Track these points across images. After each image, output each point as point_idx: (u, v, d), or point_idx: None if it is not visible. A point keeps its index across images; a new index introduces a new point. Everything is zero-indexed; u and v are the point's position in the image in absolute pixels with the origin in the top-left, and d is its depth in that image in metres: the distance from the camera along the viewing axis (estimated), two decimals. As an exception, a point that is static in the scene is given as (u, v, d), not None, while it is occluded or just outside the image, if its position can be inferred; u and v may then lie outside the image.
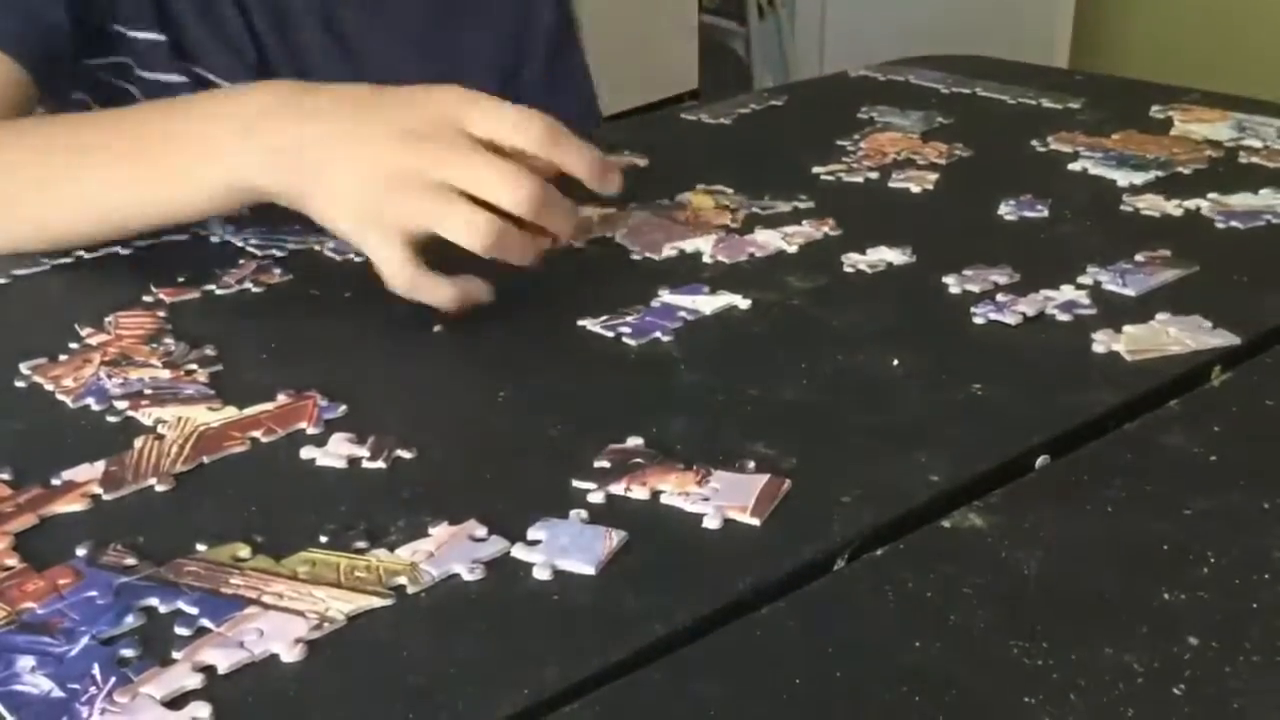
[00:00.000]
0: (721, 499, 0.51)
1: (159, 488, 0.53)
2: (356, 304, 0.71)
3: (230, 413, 0.58)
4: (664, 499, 0.51)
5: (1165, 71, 1.42)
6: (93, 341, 0.66)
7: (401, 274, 0.65)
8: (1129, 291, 0.70)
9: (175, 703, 0.41)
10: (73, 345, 0.65)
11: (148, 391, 0.60)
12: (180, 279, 0.74)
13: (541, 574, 0.47)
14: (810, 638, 0.44)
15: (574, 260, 0.77)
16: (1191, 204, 0.82)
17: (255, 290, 0.73)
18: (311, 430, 0.57)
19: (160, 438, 0.56)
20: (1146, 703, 0.40)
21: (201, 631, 0.44)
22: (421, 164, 0.64)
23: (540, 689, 0.41)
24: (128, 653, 0.43)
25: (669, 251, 0.77)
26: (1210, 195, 0.83)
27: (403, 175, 0.65)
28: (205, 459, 0.55)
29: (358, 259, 0.76)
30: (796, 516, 0.51)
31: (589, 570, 0.47)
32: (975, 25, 3.07)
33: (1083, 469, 0.54)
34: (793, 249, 0.78)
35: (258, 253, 0.77)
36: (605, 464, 0.53)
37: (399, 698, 0.41)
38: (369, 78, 0.72)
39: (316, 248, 0.78)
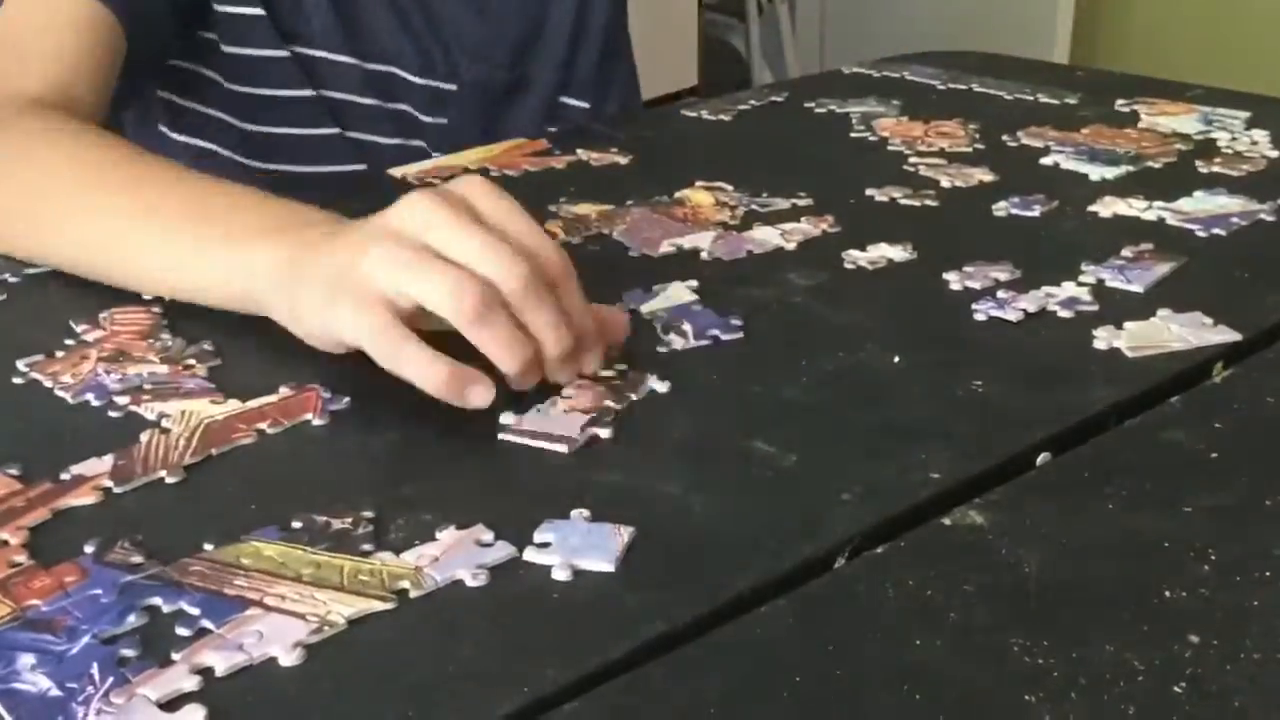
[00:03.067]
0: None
1: (169, 480, 0.53)
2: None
3: (233, 406, 0.59)
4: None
5: (1166, 67, 1.42)
6: (89, 338, 0.66)
7: (383, 336, 0.56)
8: (1135, 287, 0.70)
9: (171, 705, 0.41)
10: (69, 342, 0.65)
11: (148, 386, 0.60)
12: None
13: (561, 574, 0.47)
14: (811, 635, 0.44)
15: (571, 257, 0.77)
16: (1168, 214, 0.82)
17: None
18: (317, 422, 0.57)
19: (166, 432, 0.57)
20: (1147, 700, 0.40)
21: (202, 632, 0.44)
22: (405, 230, 0.57)
23: (541, 687, 0.41)
24: (128, 652, 0.43)
25: (666, 249, 0.77)
26: (1178, 204, 0.83)
27: (380, 248, 0.57)
28: (213, 451, 0.55)
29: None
30: (797, 514, 0.51)
31: (608, 568, 0.47)
32: (975, 21, 3.07)
33: (1084, 466, 0.54)
34: (791, 246, 0.78)
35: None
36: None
37: (398, 698, 0.41)
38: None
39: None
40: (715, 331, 0.66)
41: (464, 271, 0.56)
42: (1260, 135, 0.96)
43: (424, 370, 0.56)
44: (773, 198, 0.84)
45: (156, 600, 0.45)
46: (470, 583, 0.46)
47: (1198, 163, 0.91)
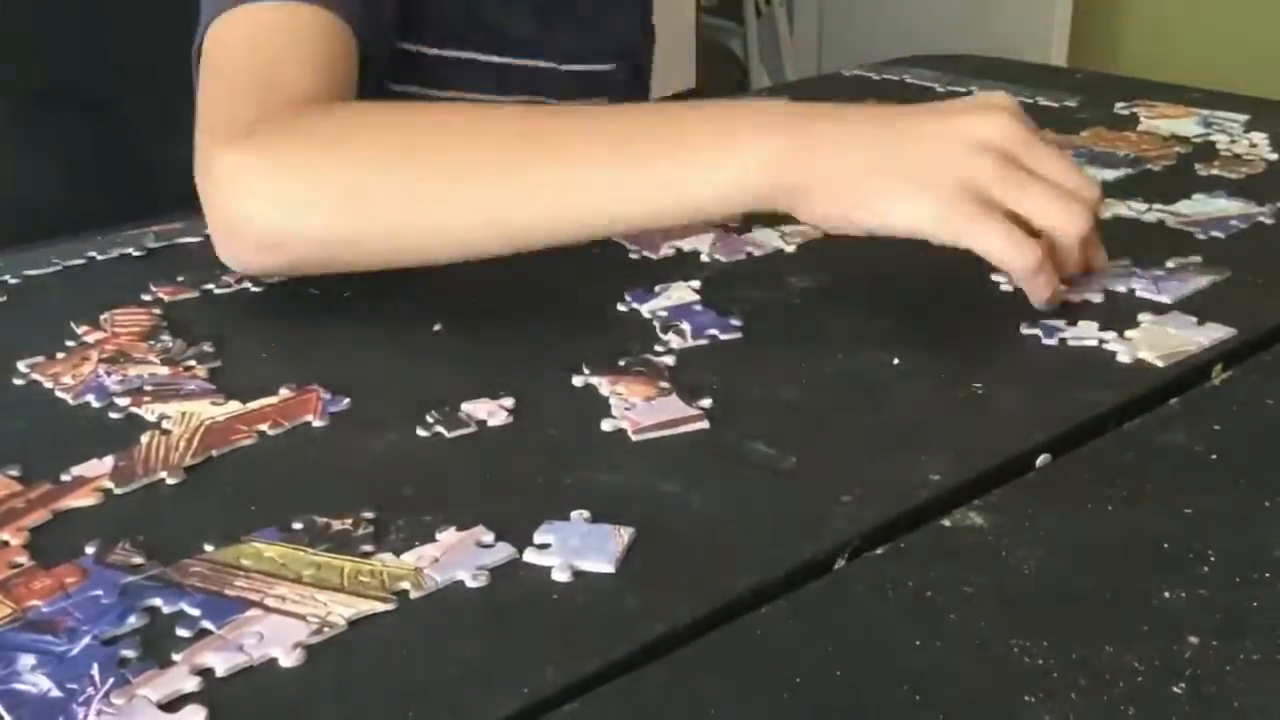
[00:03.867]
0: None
1: (170, 481, 0.53)
2: (356, 304, 0.71)
3: (234, 407, 0.59)
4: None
5: (1162, 70, 1.42)
6: (89, 339, 0.66)
7: (977, 221, 0.63)
8: (1164, 299, 0.69)
9: (171, 705, 0.41)
10: (69, 343, 0.65)
11: (149, 388, 0.61)
12: (180, 278, 0.74)
13: (561, 576, 0.47)
14: (810, 637, 0.44)
15: (572, 259, 0.77)
16: (1167, 216, 0.82)
17: (254, 290, 0.73)
18: (317, 423, 0.57)
19: (166, 433, 0.57)
20: (1147, 701, 0.40)
21: (203, 633, 0.44)
22: (991, 144, 0.64)
23: (541, 688, 0.41)
24: (128, 653, 0.43)
25: (666, 250, 0.77)
26: (1177, 207, 0.83)
27: (981, 161, 0.63)
28: (214, 452, 0.55)
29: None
30: (797, 516, 0.51)
31: (608, 569, 0.47)
32: (972, 25, 3.07)
33: (1083, 468, 0.54)
34: (791, 248, 0.78)
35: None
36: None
37: (398, 699, 0.41)
38: None
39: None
40: (714, 331, 0.66)
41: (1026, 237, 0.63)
42: (1259, 138, 0.97)
43: (1015, 247, 0.63)
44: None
45: (157, 601, 0.45)
46: (471, 584, 0.46)
47: (1197, 165, 0.91)
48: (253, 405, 0.59)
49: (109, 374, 0.62)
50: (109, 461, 0.54)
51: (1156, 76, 1.19)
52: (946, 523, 0.50)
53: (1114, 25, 3.22)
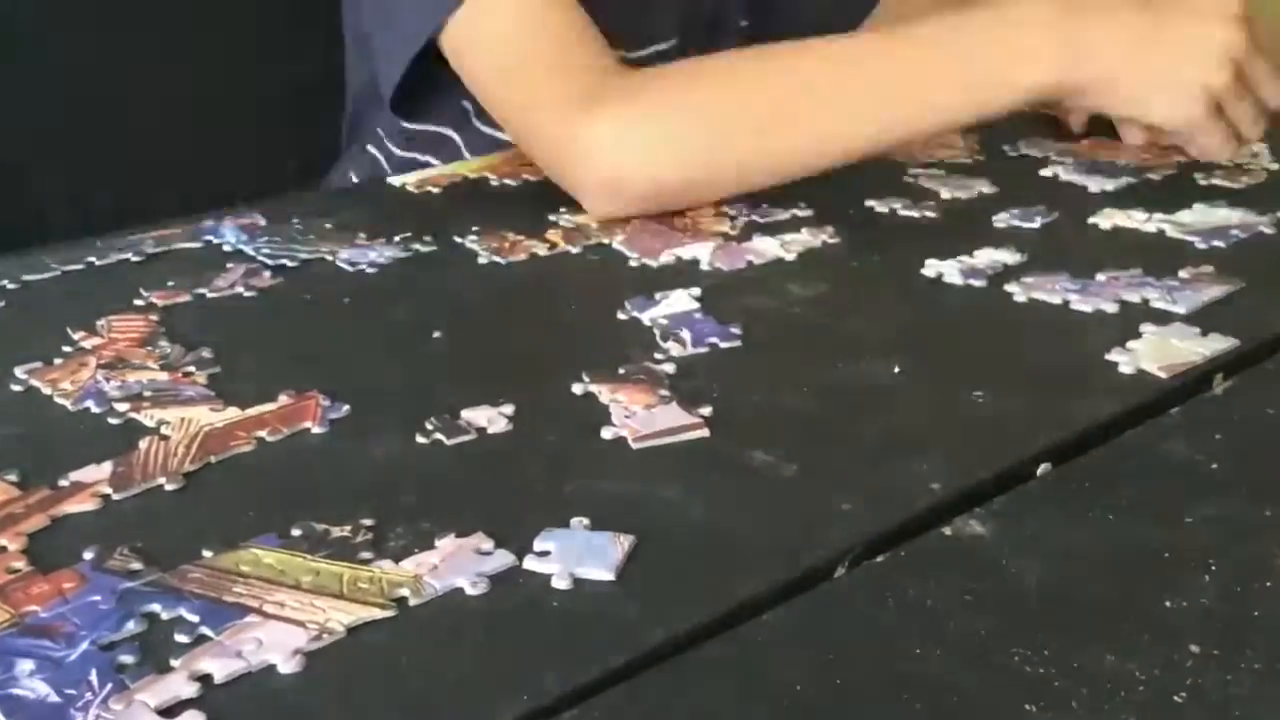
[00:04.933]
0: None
1: (168, 487, 0.53)
2: (355, 309, 0.71)
3: (233, 413, 0.59)
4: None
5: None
6: (87, 345, 0.65)
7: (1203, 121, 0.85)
8: (1179, 309, 0.69)
9: (170, 711, 0.41)
10: (66, 349, 0.65)
11: (147, 394, 0.60)
12: (170, 283, 0.74)
13: (561, 583, 0.46)
14: (810, 645, 0.43)
15: (573, 266, 0.77)
16: (1167, 226, 0.82)
17: (247, 294, 0.73)
18: (316, 429, 0.57)
19: (165, 438, 0.56)
20: (1148, 711, 0.40)
21: (201, 639, 0.44)
22: (1215, 80, 0.82)
23: (540, 696, 0.41)
24: (126, 659, 0.43)
25: (667, 258, 0.77)
26: (1178, 217, 0.83)
27: (1198, 84, 0.83)
28: (213, 458, 0.55)
29: (370, 270, 0.76)
30: (797, 523, 0.50)
31: (608, 576, 0.47)
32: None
33: (1084, 477, 0.54)
34: (791, 256, 0.78)
35: (269, 262, 0.77)
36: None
37: (397, 706, 0.41)
38: None
39: (328, 258, 0.78)
40: (714, 339, 0.66)
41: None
42: (1260, 147, 0.96)
43: (1223, 147, 0.88)
44: (772, 208, 0.85)
45: (155, 607, 0.45)
46: (470, 591, 0.46)
47: (1197, 175, 0.91)
48: (252, 411, 0.59)
49: (108, 380, 0.62)
50: (107, 467, 0.54)
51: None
52: (947, 531, 0.49)
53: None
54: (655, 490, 0.53)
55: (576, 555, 0.48)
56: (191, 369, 0.63)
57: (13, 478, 0.54)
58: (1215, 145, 0.86)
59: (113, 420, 0.59)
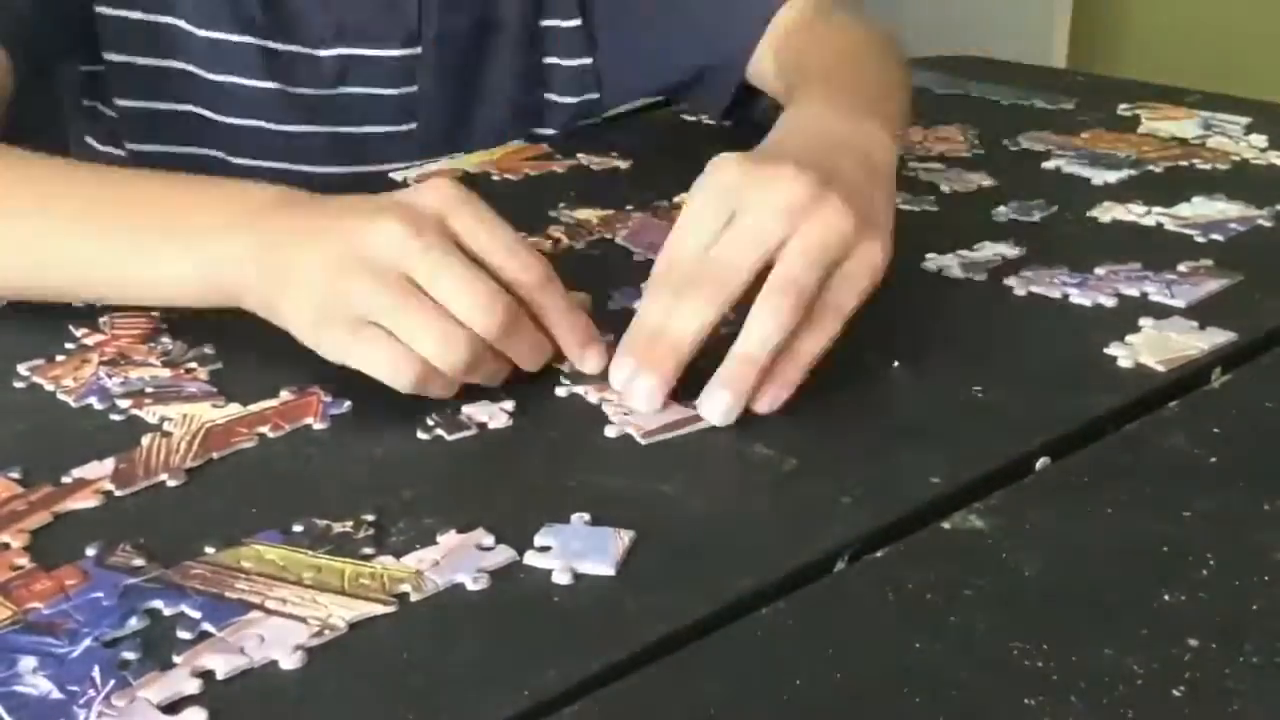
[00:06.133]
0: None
1: (170, 483, 0.53)
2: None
3: (234, 410, 0.59)
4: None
5: (1163, 72, 1.42)
6: (89, 341, 0.66)
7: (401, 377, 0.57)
8: (1177, 302, 0.69)
9: (172, 707, 0.41)
10: (69, 346, 0.65)
11: (150, 390, 0.61)
12: None
13: (561, 578, 0.47)
14: (810, 638, 0.44)
15: (576, 261, 0.77)
16: (1166, 220, 0.82)
17: None
18: (318, 426, 0.57)
19: (168, 435, 0.57)
20: (1147, 704, 0.40)
21: (203, 636, 0.44)
22: (352, 296, 0.56)
23: (542, 690, 0.41)
24: (129, 655, 0.43)
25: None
26: (1177, 210, 0.83)
27: (357, 283, 0.56)
28: (215, 454, 0.55)
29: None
30: (797, 517, 0.51)
31: (608, 571, 0.47)
32: (973, 25, 3.07)
33: (1083, 470, 0.54)
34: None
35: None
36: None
37: (399, 701, 0.41)
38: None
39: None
40: None
41: (408, 351, 0.56)
42: (1259, 140, 0.97)
43: (391, 366, 0.56)
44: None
45: (158, 603, 0.46)
46: (471, 586, 0.46)
47: (1197, 167, 0.91)
48: (254, 408, 0.59)
49: (110, 376, 0.62)
50: (110, 463, 0.54)
51: (1156, 79, 1.20)
52: (946, 525, 0.50)
53: (1114, 27, 3.22)
54: (655, 485, 0.53)
55: (577, 550, 0.48)
56: (194, 365, 0.63)
57: (15, 474, 0.54)
58: (385, 368, 0.57)
59: (115, 417, 0.59)
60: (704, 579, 0.47)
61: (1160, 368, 0.62)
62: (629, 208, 0.84)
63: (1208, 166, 0.92)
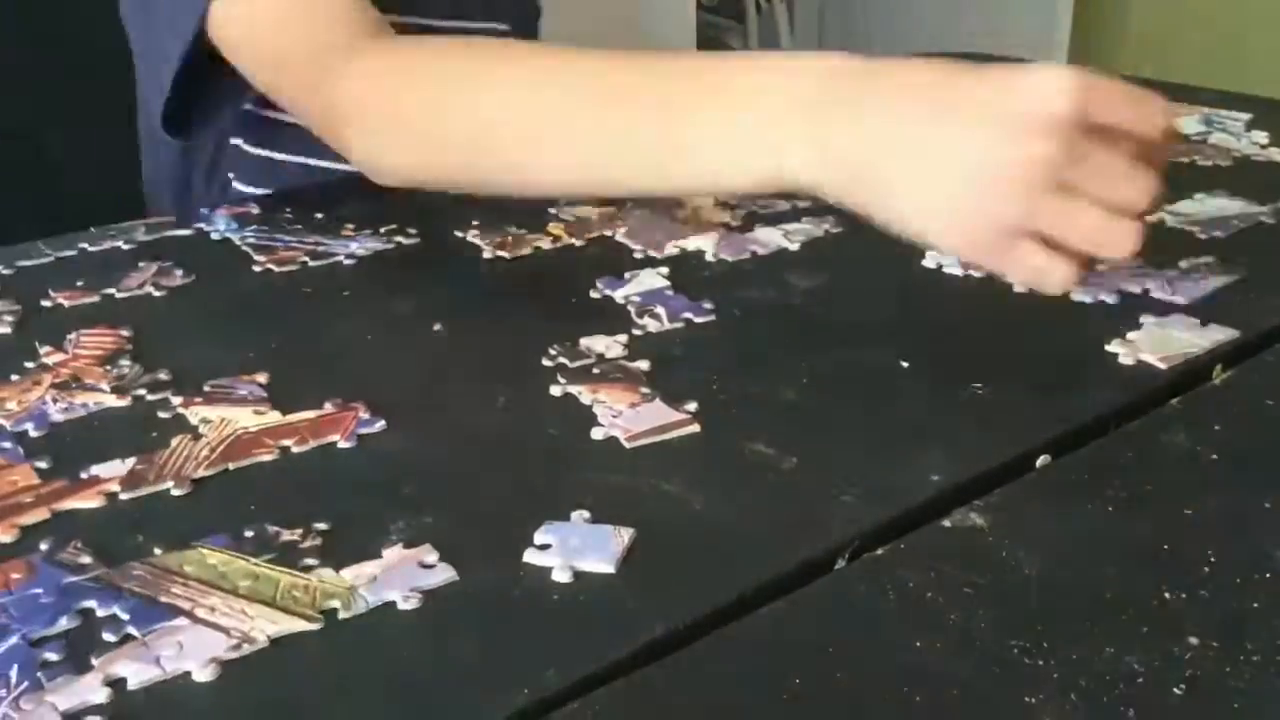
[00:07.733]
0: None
1: (174, 492, 0.53)
2: (356, 303, 0.71)
3: (273, 419, 0.58)
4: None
5: (1163, 70, 1.42)
6: (50, 361, 0.64)
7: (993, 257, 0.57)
8: (1179, 299, 0.69)
9: (75, 716, 0.40)
10: (28, 364, 0.63)
11: (206, 388, 0.60)
12: (79, 283, 0.73)
13: (561, 576, 0.47)
14: (811, 637, 0.44)
15: (577, 259, 0.77)
16: (1168, 216, 0.82)
17: (156, 294, 0.72)
18: (343, 444, 0.56)
19: (198, 439, 0.56)
20: (1147, 703, 0.40)
21: (127, 639, 0.43)
22: (1008, 211, 0.55)
23: (541, 689, 0.41)
24: (51, 656, 0.43)
25: (671, 250, 0.77)
26: (1178, 207, 0.83)
27: (985, 214, 0.56)
28: (230, 465, 0.54)
29: (346, 262, 0.76)
30: (797, 516, 0.51)
31: (608, 569, 0.47)
32: (973, 25, 3.07)
33: (1083, 468, 0.54)
34: (794, 246, 0.78)
35: (252, 252, 0.77)
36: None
37: (394, 695, 0.41)
38: None
39: (317, 250, 0.78)
40: (688, 314, 0.68)
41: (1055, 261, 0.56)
42: (1261, 137, 0.97)
43: (1042, 279, 0.57)
44: (773, 198, 0.84)
45: (92, 603, 0.45)
46: (401, 605, 0.45)
47: (1199, 164, 0.91)
48: (291, 418, 0.58)
49: (55, 401, 0.60)
50: (128, 464, 0.54)
51: (1156, 77, 1.19)
52: (947, 523, 0.50)
53: (1114, 26, 3.21)
54: (656, 483, 0.53)
55: (576, 548, 0.48)
56: (141, 392, 0.60)
57: (42, 464, 0.54)
58: (1034, 279, 0.57)
59: (163, 414, 0.58)
60: (704, 577, 0.47)
61: (1161, 365, 0.62)
62: (629, 204, 0.84)
63: (1209, 163, 0.92)
